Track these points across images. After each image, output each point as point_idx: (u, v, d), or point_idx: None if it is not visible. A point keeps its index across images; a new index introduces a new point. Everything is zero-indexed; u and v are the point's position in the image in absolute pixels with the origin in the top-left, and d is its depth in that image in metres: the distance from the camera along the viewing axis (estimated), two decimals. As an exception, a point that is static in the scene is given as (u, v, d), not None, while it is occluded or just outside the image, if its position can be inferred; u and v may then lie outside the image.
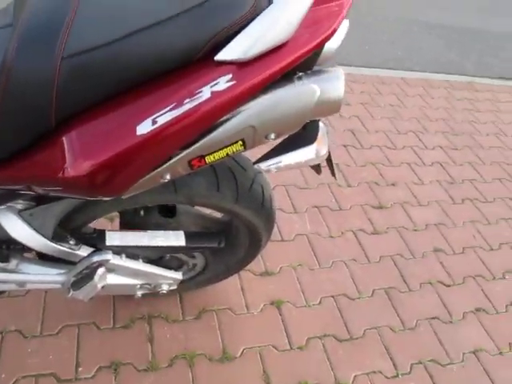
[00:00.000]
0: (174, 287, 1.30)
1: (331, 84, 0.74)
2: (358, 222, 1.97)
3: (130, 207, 1.06)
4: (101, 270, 1.01)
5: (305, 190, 2.06)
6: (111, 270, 1.08)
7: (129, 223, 1.20)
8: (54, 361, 1.32)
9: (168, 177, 0.78)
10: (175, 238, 1.14)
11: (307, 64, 0.76)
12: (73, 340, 1.38)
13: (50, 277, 1.06)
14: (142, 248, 1.13)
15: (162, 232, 1.15)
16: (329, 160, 1.05)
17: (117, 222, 1.68)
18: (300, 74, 0.75)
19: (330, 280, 1.70)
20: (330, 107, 0.76)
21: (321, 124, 0.87)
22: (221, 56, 0.67)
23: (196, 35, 0.67)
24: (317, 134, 0.85)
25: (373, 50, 3.62)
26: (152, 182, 0.79)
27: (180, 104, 0.68)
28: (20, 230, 0.95)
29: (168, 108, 0.68)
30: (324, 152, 0.85)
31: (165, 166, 0.75)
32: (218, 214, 1.35)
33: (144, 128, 0.68)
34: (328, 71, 0.75)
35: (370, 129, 2.56)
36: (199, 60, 0.68)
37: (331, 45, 0.77)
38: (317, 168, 1.10)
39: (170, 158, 0.75)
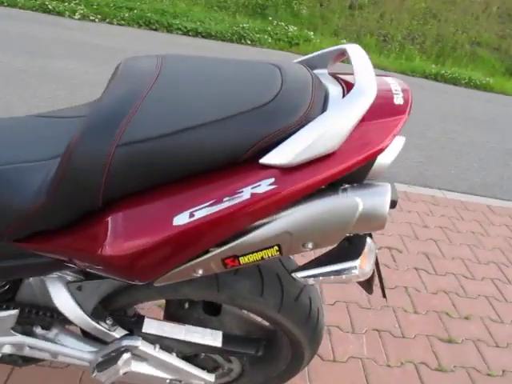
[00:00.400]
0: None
1: (376, 199, 0.72)
2: (422, 353, 1.81)
3: (172, 298, 1.10)
4: (126, 356, 1.03)
5: (367, 310, 1.98)
6: (139, 357, 1.10)
7: (172, 314, 1.24)
8: None
9: (200, 272, 0.79)
10: (212, 338, 1.15)
11: (357, 177, 0.75)
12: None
13: (82, 353, 1.10)
14: (178, 341, 1.15)
15: (201, 329, 1.16)
16: (379, 277, 1.02)
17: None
18: (346, 186, 0.74)
19: (381, 415, 1.56)
20: (373, 223, 0.73)
21: (368, 240, 0.84)
22: (266, 160, 0.69)
23: (244, 138, 0.69)
24: (362, 250, 0.81)
25: (460, 175, 3.56)
26: (184, 275, 0.81)
27: (219, 201, 0.69)
28: (64, 301, 1.00)
29: (207, 204, 0.70)
30: (368, 270, 0.82)
31: (198, 260, 0.77)
32: (264, 322, 1.35)
33: (181, 220, 0.70)
34: (374, 186, 0.73)
35: (446, 254, 2.44)
36: (245, 161, 0.70)
37: (383, 160, 0.75)
38: (366, 286, 1.08)
39: (204, 254, 0.77)
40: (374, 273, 1.03)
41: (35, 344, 1.11)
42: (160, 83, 0.77)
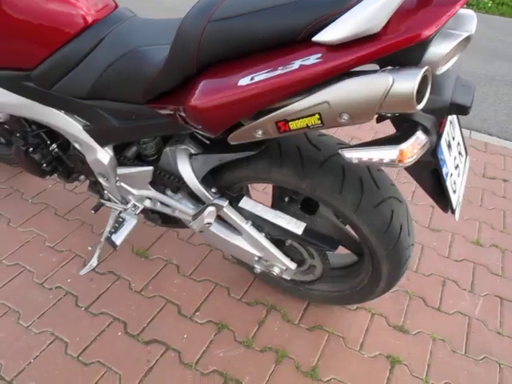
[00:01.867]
0: (288, 277, 1.37)
1: (405, 77, 0.74)
2: (549, 336, 1.57)
3: (266, 181, 1.22)
4: (211, 208, 1.20)
5: (496, 276, 1.77)
6: (224, 216, 1.27)
7: (274, 206, 1.36)
8: (184, 297, 1.59)
9: (260, 133, 0.93)
10: (295, 225, 1.24)
11: (408, 64, 0.78)
12: (205, 292, 1.61)
13: (188, 209, 1.32)
14: (266, 222, 1.27)
15: (288, 217, 1.26)
16: (446, 192, 0.98)
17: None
18: (388, 67, 0.78)
19: (469, 373, 1.43)
20: (401, 102, 0.75)
21: (419, 133, 0.85)
22: (316, 38, 0.77)
23: (300, 18, 0.79)
24: (408, 137, 0.83)
25: None
26: (248, 134, 0.95)
27: (275, 69, 0.83)
28: (184, 167, 1.24)
29: (265, 71, 0.84)
30: (411, 159, 0.83)
31: (257, 121, 0.91)
32: (353, 234, 1.37)
33: (244, 81, 0.87)
34: (409, 68, 0.75)
35: None
36: (302, 40, 0.81)
37: (437, 50, 0.76)
38: (440, 201, 1.03)
39: (261, 116, 0.90)
40: (447, 192, 0.97)
41: (164, 200, 1.37)
42: None
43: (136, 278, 1.65)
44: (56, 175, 1.62)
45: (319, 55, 0.78)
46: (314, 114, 0.84)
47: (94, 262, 1.68)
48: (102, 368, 1.37)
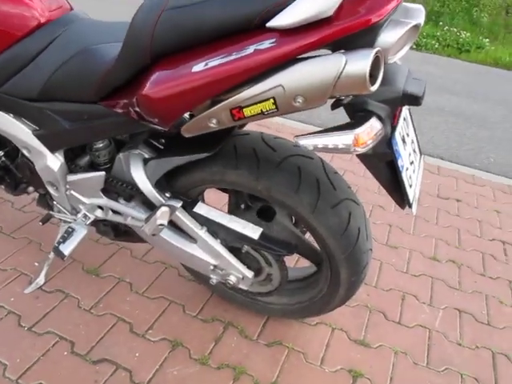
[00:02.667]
0: (245, 287, 1.33)
1: (358, 57, 0.75)
2: (507, 345, 1.57)
3: (222, 184, 1.19)
4: (164, 208, 1.15)
5: (454, 289, 1.79)
6: (177, 221, 1.23)
7: (232, 213, 1.33)
8: (137, 315, 1.50)
9: (214, 122, 0.91)
10: (251, 230, 1.20)
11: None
12: (159, 309, 1.54)
13: (141, 214, 1.27)
14: (222, 228, 1.23)
15: (244, 221, 1.22)
16: (403, 187, 0.98)
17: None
18: (342, 51, 0.79)
19: (431, 383, 1.40)
20: (355, 82, 0.76)
21: (373, 119, 0.86)
22: (270, 23, 0.79)
23: (254, 5, 0.80)
24: (362, 124, 0.84)
25: None
26: (203, 125, 0.93)
27: (229, 55, 0.83)
28: (137, 172, 1.20)
29: (219, 57, 0.84)
30: (365, 145, 0.83)
31: (211, 110, 0.89)
32: (315, 245, 1.34)
33: (197, 68, 0.86)
34: (362, 49, 0.76)
35: None
36: (256, 26, 0.81)
37: (388, 36, 0.78)
38: (397, 197, 1.03)
39: (215, 104, 0.88)
40: (403, 185, 0.98)
41: (116, 207, 1.31)
42: None
43: (85, 296, 1.55)
44: (2, 187, 1.53)
45: (273, 40, 0.79)
46: (268, 99, 0.83)
47: (40, 279, 1.57)
48: (43, 391, 1.26)
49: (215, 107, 0.88)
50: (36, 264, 1.66)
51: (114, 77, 1.01)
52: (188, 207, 1.23)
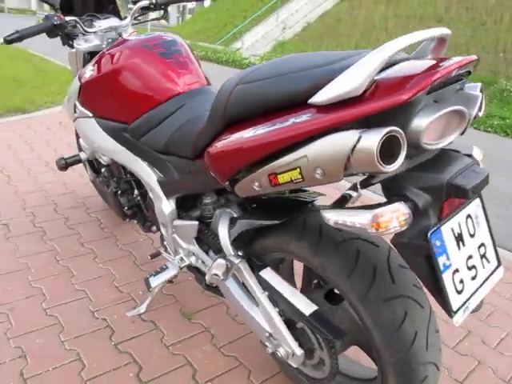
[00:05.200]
0: (295, 364, 1.28)
1: (370, 135, 0.76)
2: None
3: (286, 253, 1.23)
4: (221, 260, 1.24)
5: None
6: (244, 280, 1.30)
7: (303, 288, 1.35)
8: (204, 365, 1.57)
9: (257, 185, 1.00)
10: (305, 305, 1.19)
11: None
12: (226, 367, 1.58)
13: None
14: (281, 297, 1.24)
15: (303, 296, 1.22)
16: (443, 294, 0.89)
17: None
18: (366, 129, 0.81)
19: None
20: (365, 159, 0.77)
21: (397, 204, 0.84)
22: (310, 100, 0.87)
23: (301, 84, 0.90)
24: (382, 206, 0.83)
25: None
26: (247, 186, 1.04)
27: (273, 125, 0.93)
28: (222, 228, 1.33)
29: (266, 126, 0.95)
30: (385, 230, 0.82)
31: (253, 174, 0.99)
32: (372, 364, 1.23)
33: (248, 134, 0.98)
34: (377, 127, 0.77)
35: None
36: (301, 102, 0.90)
37: (421, 119, 0.78)
38: (440, 299, 0.93)
39: (257, 168, 0.98)
40: (443, 288, 0.88)
41: (202, 257, 1.48)
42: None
43: (171, 334, 1.70)
44: (136, 221, 1.85)
45: (310, 114, 0.87)
46: (295, 168, 0.89)
47: (142, 308, 1.79)
48: (101, 400, 1.40)
49: (257, 172, 0.98)
50: (140, 292, 1.90)
51: (201, 139, 1.20)
52: (256, 269, 1.29)
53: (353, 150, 0.78)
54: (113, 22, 1.86)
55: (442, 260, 0.87)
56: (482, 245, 0.96)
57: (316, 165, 0.85)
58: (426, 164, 0.88)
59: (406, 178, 0.87)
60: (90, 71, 1.66)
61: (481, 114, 0.88)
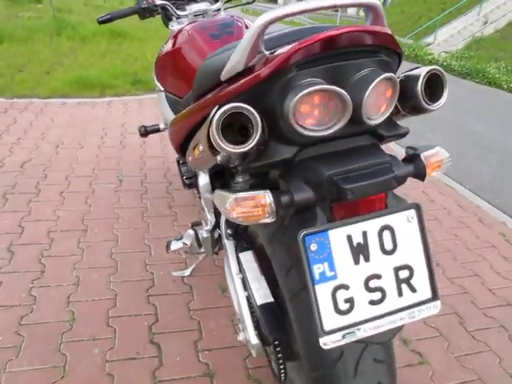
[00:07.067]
0: (252, 351, 1.26)
1: (217, 111, 0.74)
2: None
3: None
4: (190, 231, 1.42)
5: None
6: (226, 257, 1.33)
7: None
8: (211, 334, 1.66)
9: (201, 147, 0.98)
10: (261, 295, 1.18)
11: None
12: None
13: None
14: (247, 281, 1.24)
15: (266, 286, 1.21)
16: None
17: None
18: None
19: None
20: (214, 136, 0.75)
21: (266, 193, 0.78)
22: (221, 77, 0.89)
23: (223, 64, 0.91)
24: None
25: None
26: (192, 153, 1.05)
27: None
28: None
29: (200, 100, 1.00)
30: (239, 213, 0.79)
31: (196, 137, 1.00)
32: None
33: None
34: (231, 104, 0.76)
35: None
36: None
37: (287, 102, 0.74)
38: None
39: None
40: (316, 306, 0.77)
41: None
42: None
43: (199, 300, 1.82)
44: (195, 191, 2.01)
45: (217, 89, 0.92)
46: (197, 144, 0.94)
47: (187, 271, 1.94)
48: None
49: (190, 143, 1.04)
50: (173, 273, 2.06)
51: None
52: (238, 250, 1.30)
53: (210, 124, 0.75)
54: (204, 5, 1.99)
55: (318, 268, 0.76)
56: (406, 268, 0.80)
57: (199, 139, 0.89)
58: (334, 156, 0.79)
59: (299, 168, 0.80)
60: (162, 48, 1.85)
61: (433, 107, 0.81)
